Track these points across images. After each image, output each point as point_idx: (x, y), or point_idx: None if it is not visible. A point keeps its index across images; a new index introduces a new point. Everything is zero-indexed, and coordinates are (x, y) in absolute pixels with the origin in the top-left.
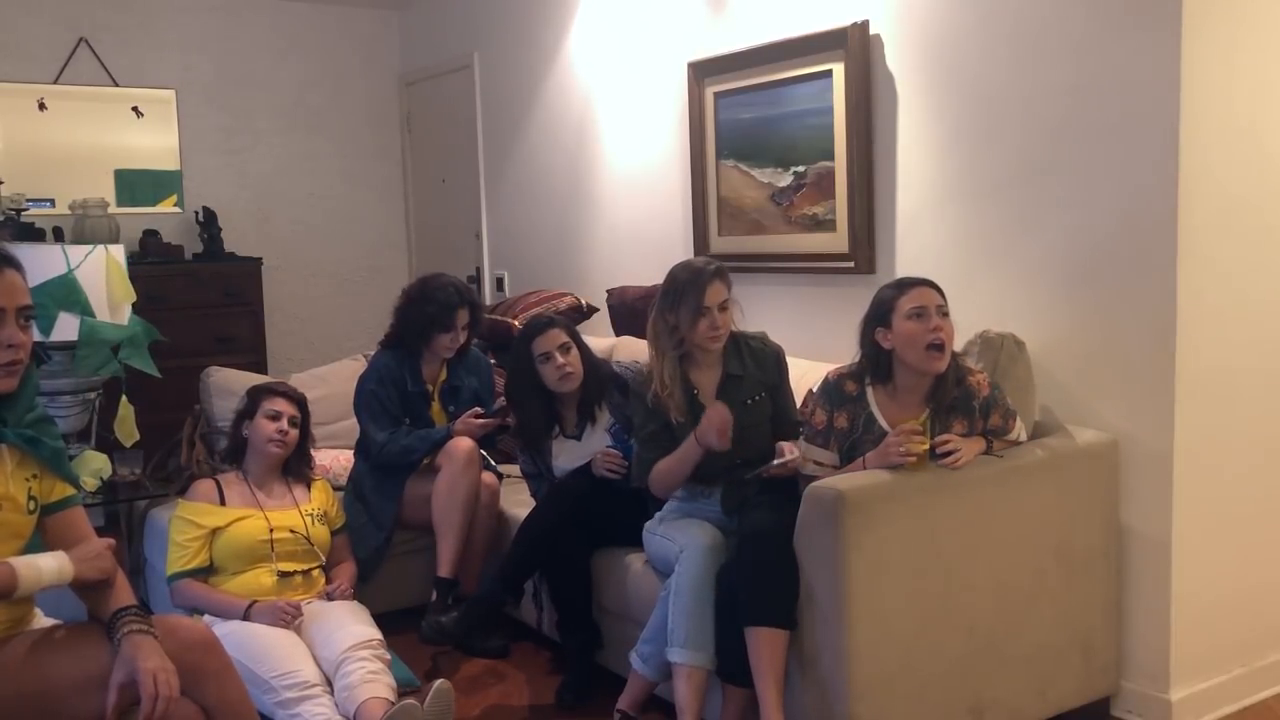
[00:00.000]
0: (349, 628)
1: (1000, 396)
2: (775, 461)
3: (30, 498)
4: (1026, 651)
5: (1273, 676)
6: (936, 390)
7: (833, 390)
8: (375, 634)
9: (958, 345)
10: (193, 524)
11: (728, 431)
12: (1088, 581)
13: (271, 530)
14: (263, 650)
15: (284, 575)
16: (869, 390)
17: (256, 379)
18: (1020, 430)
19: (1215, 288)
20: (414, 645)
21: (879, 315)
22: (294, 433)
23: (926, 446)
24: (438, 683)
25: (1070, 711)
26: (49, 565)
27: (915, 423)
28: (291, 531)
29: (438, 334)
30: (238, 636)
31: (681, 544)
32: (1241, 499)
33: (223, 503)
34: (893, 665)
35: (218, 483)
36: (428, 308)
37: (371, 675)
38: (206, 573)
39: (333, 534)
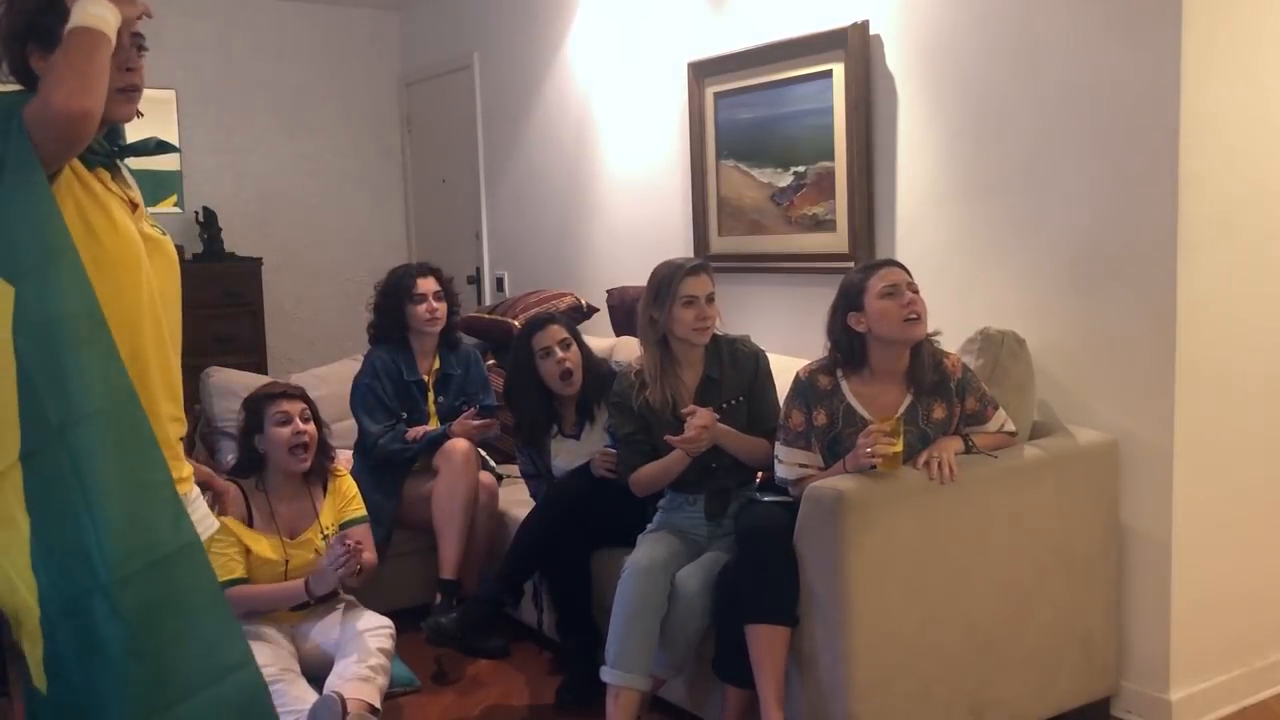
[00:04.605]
0: (365, 615)
1: (974, 380)
2: (770, 498)
3: None
4: (1026, 651)
5: (1273, 676)
6: (914, 371)
7: (806, 388)
8: (387, 621)
9: (956, 343)
10: (228, 531)
11: (711, 429)
12: (1088, 581)
13: (287, 561)
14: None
15: (295, 605)
16: (843, 382)
17: (257, 379)
18: (1005, 420)
19: (1215, 288)
20: (415, 645)
21: (849, 300)
22: (311, 427)
23: (898, 448)
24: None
25: (1070, 711)
26: None
27: (887, 424)
28: (315, 553)
29: (410, 307)
30: None
31: (627, 562)
32: (1241, 499)
33: (250, 523)
34: (893, 665)
35: (242, 489)
36: (393, 286)
37: (369, 673)
38: (246, 583)
39: (353, 524)
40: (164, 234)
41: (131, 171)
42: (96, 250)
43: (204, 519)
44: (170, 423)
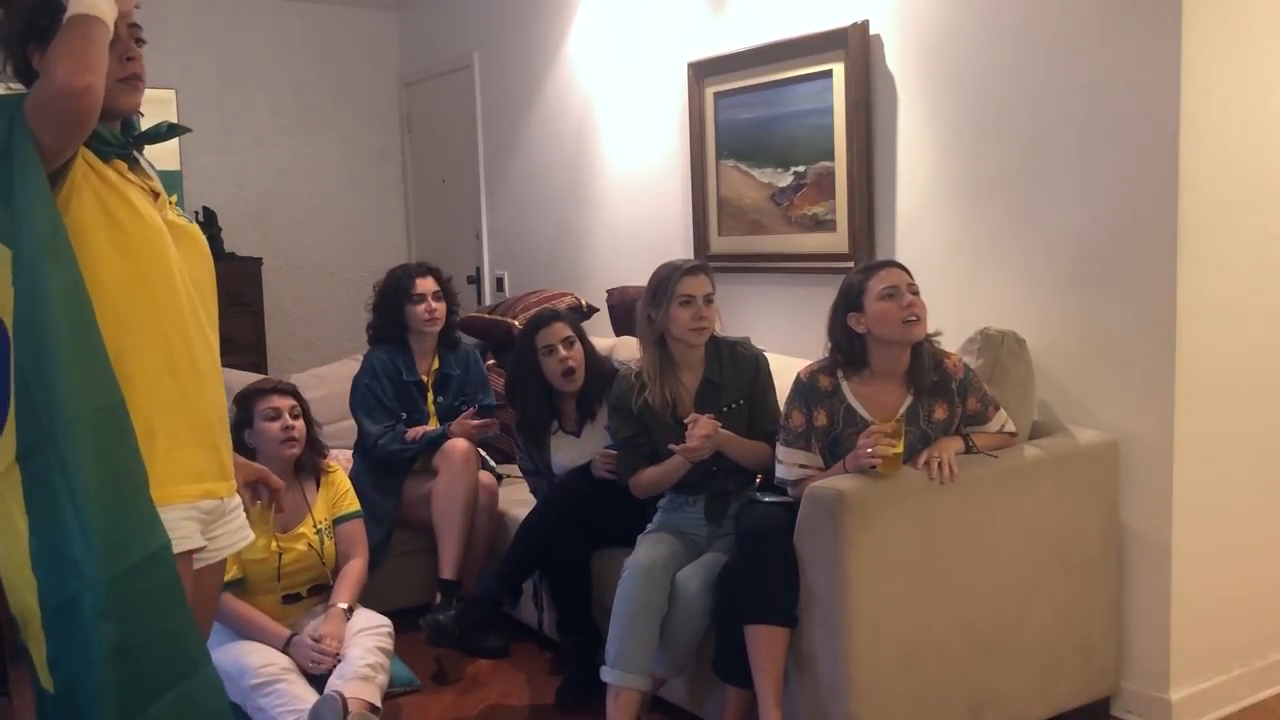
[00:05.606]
0: (364, 614)
1: (975, 380)
2: (770, 498)
3: None
4: (1026, 651)
5: (1273, 676)
6: (914, 372)
7: (807, 388)
8: (385, 620)
9: (956, 343)
10: None
11: (713, 437)
12: (1088, 581)
13: (281, 555)
14: (240, 651)
15: (288, 599)
16: (844, 383)
17: (256, 379)
18: (1005, 421)
19: (1215, 288)
20: (415, 645)
21: (849, 300)
22: (300, 424)
23: (899, 449)
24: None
25: (1070, 711)
26: None
27: (889, 424)
28: (309, 546)
29: (409, 307)
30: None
31: (627, 563)
32: (1241, 499)
33: None
34: (892, 665)
35: None
36: (392, 286)
37: (369, 672)
38: (239, 586)
39: (345, 519)
40: (191, 222)
41: (150, 163)
42: (121, 238)
43: (240, 529)
44: (217, 411)
